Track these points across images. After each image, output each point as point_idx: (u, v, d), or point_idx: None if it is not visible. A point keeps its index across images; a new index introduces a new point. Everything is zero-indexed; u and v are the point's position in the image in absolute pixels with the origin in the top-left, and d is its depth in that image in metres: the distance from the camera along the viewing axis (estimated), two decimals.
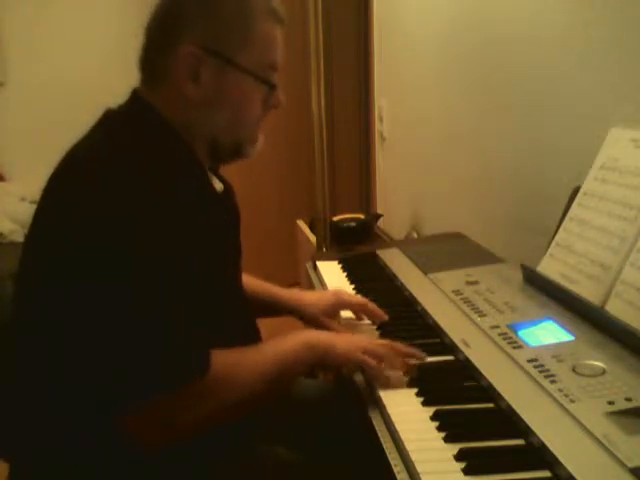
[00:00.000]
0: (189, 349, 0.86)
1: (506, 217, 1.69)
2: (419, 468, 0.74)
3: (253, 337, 1.11)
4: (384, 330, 1.16)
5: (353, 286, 1.39)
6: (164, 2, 0.98)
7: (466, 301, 1.16)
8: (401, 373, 0.96)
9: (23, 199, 2.83)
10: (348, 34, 2.96)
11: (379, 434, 0.84)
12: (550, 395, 0.83)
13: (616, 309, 0.97)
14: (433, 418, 0.84)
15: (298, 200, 3.17)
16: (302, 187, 3.10)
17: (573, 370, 0.88)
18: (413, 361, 0.98)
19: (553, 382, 0.85)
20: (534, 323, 1.03)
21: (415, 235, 2.29)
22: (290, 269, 2.88)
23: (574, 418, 0.77)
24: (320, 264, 1.56)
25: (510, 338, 1.00)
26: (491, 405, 0.86)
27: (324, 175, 2.10)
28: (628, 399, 0.79)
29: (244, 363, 0.92)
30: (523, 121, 1.57)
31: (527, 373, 0.89)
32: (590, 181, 1.14)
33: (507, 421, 0.81)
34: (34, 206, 0.93)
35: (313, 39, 1.95)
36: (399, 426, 0.83)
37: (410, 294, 1.28)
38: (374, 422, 0.88)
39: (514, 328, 1.03)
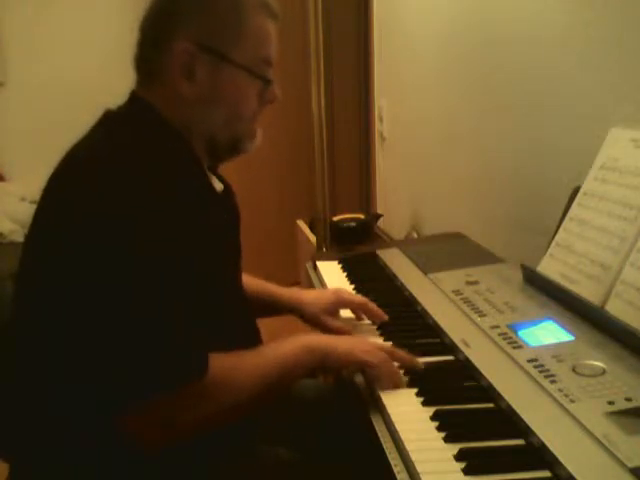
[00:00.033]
0: (189, 349, 0.86)
1: (506, 217, 1.69)
2: (419, 468, 0.74)
3: (253, 337, 1.11)
4: (384, 330, 1.16)
5: (353, 286, 1.39)
6: None
7: (466, 301, 1.16)
8: (401, 373, 0.96)
9: (23, 199, 2.83)
10: (348, 34, 2.96)
11: (379, 434, 0.84)
12: (550, 395, 0.83)
13: (616, 309, 0.97)
14: (433, 418, 0.84)
15: (298, 200, 3.18)
16: (302, 187, 3.10)
17: (573, 370, 0.87)
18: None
19: (553, 382, 0.85)
20: (534, 323, 1.03)
21: (415, 235, 2.29)
22: (290, 269, 2.88)
23: (574, 418, 0.77)
24: (320, 264, 1.56)
25: (510, 338, 1.00)
26: (491, 405, 0.86)
27: (324, 175, 2.09)
28: (628, 399, 0.79)
29: (244, 366, 0.92)
30: (523, 121, 1.57)
31: (527, 373, 0.89)
32: (590, 181, 1.14)
33: (507, 421, 0.81)
34: (34, 206, 0.93)
35: (313, 39, 1.95)
36: (399, 426, 0.83)
37: (410, 294, 1.28)
38: (374, 422, 0.87)
39: (514, 328, 1.03)
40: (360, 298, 1.23)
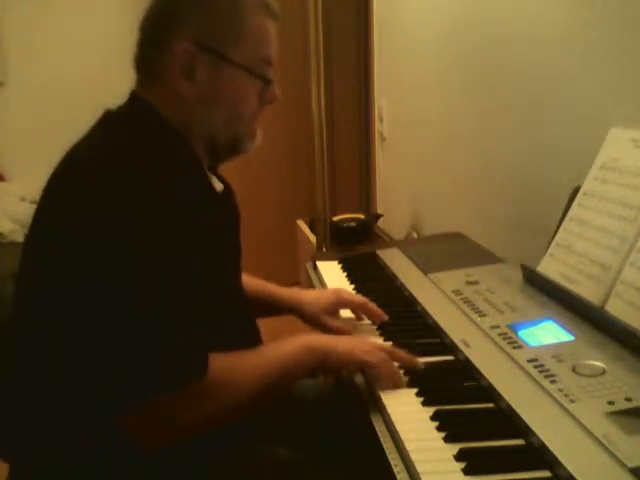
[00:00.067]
0: (189, 349, 0.86)
1: (506, 217, 1.69)
2: (419, 468, 0.74)
3: (253, 337, 1.11)
4: (384, 330, 1.16)
5: (353, 286, 1.39)
6: None
7: (466, 301, 1.16)
8: (401, 373, 0.96)
9: (23, 199, 2.83)
10: (348, 34, 2.96)
11: (379, 434, 0.84)
12: (550, 395, 0.83)
13: (616, 309, 0.97)
14: (433, 418, 0.84)
15: (298, 200, 3.17)
16: (302, 187, 3.10)
17: (573, 370, 0.87)
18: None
19: (553, 382, 0.85)
20: (534, 323, 1.03)
21: (415, 235, 2.29)
22: (290, 269, 2.88)
23: (574, 418, 0.77)
24: (320, 264, 1.56)
25: (510, 338, 1.00)
26: (491, 405, 0.86)
27: (324, 175, 2.09)
28: (628, 399, 0.79)
29: (244, 366, 0.92)
30: (523, 121, 1.57)
31: (527, 373, 0.89)
32: (590, 181, 1.14)
33: (507, 421, 0.81)
34: (34, 206, 0.93)
35: (313, 39, 1.95)
36: (399, 426, 0.83)
37: (410, 294, 1.28)
38: (374, 422, 0.87)
39: (514, 328, 1.03)
40: (360, 298, 1.23)
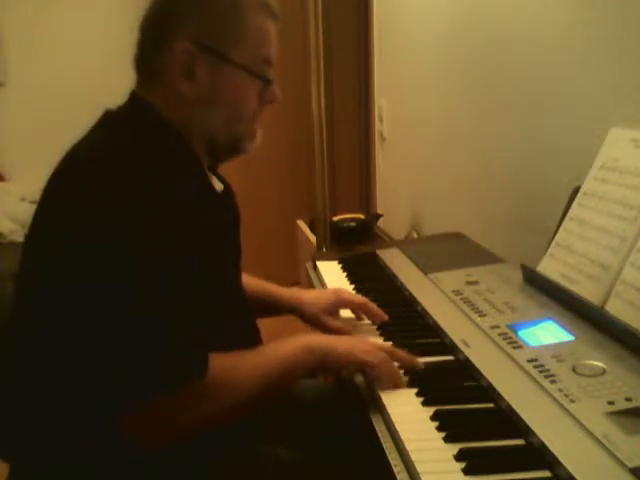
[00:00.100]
0: (189, 349, 0.86)
1: (506, 217, 1.69)
2: (419, 468, 0.74)
3: (253, 337, 1.11)
4: (384, 330, 1.16)
5: (353, 286, 1.39)
6: None
7: (466, 301, 1.16)
8: (401, 373, 0.96)
9: (23, 199, 2.83)
10: (348, 34, 2.96)
11: (379, 434, 0.84)
12: (550, 395, 0.83)
13: (616, 309, 0.97)
14: (433, 418, 0.84)
15: (298, 200, 3.18)
16: (302, 187, 3.10)
17: (573, 370, 0.87)
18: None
19: (553, 382, 0.85)
20: (534, 323, 1.03)
21: (415, 235, 2.29)
22: (290, 269, 2.88)
23: (574, 418, 0.77)
24: (320, 264, 1.56)
25: (510, 338, 1.00)
26: (491, 405, 0.86)
27: (324, 175, 2.09)
28: (628, 399, 0.79)
29: (244, 366, 0.92)
30: (523, 121, 1.57)
31: (527, 373, 0.89)
32: (590, 181, 1.14)
33: (507, 421, 0.81)
34: (34, 206, 0.93)
35: (313, 39, 1.95)
36: (399, 426, 0.83)
37: (410, 294, 1.28)
38: (374, 422, 0.87)
39: (514, 328, 1.03)
40: (360, 298, 1.23)
